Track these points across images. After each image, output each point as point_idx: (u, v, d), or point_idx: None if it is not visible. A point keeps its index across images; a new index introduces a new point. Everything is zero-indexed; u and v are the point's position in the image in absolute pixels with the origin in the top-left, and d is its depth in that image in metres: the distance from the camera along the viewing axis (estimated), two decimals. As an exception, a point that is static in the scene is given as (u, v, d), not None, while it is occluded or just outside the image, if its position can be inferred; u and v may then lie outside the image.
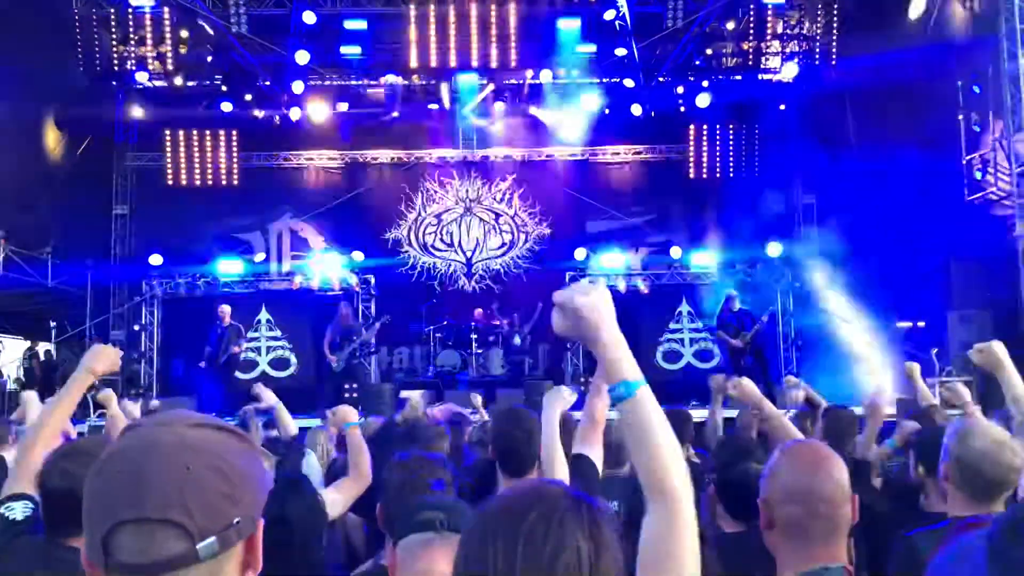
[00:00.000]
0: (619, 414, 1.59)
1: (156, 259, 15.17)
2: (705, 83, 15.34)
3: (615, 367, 1.57)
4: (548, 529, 1.30)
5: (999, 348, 3.37)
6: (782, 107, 15.81)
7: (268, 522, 1.23)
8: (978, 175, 11.78)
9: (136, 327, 15.35)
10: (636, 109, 15.38)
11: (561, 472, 2.86)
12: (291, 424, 5.40)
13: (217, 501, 1.13)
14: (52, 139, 14.45)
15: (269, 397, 5.50)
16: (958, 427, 2.77)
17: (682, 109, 15.80)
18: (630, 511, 2.61)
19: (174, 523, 1.09)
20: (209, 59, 14.70)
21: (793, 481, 2.04)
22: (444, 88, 15.28)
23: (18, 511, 2.64)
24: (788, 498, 2.03)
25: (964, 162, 12.00)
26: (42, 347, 14.58)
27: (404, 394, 5.92)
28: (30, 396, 5.09)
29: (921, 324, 12.97)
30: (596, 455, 2.86)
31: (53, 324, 14.06)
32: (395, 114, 15.40)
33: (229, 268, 15.22)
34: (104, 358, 2.94)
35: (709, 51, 15.03)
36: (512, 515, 1.33)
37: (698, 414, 7.85)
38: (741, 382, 4.00)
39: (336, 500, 3.44)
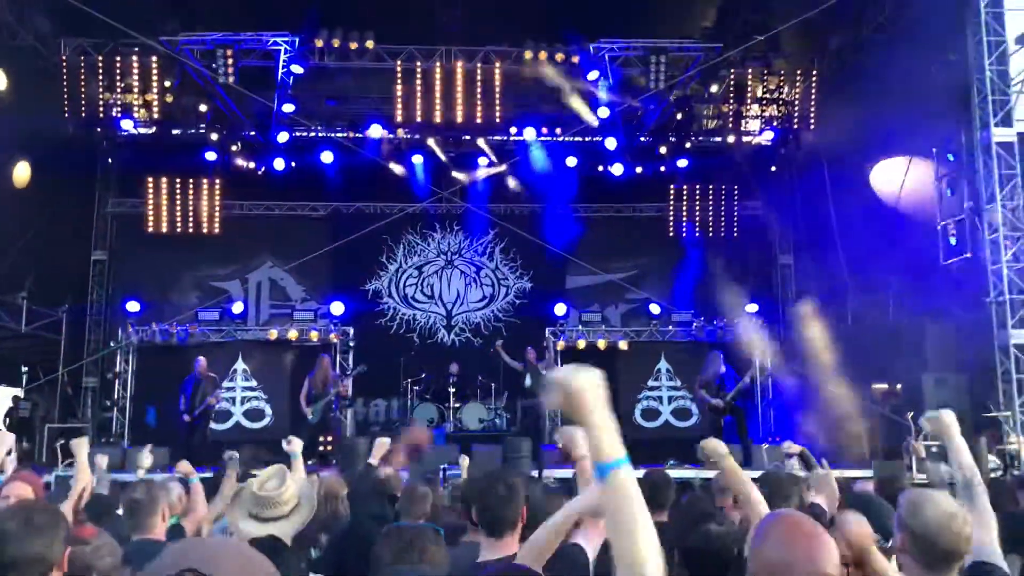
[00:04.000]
0: (601, 491, 1.69)
1: (133, 306, 15.05)
2: (686, 144, 15.59)
3: (601, 447, 1.68)
4: None
5: (948, 417, 3.45)
6: (768, 168, 16.05)
7: None
8: (952, 240, 11.95)
9: (109, 375, 15.14)
10: (617, 168, 15.55)
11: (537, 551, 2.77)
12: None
13: None
14: (29, 181, 14.37)
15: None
16: (909, 497, 2.78)
17: (662, 169, 16.01)
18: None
19: None
20: (195, 108, 14.78)
21: (774, 562, 1.94)
22: (429, 142, 15.40)
23: None
24: None
25: (939, 227, 12.19)
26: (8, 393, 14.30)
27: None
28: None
29: (898, 387, 13.02)
30: (592, 547, 2.81)
31: (25, 370, 13.84)
32: (379, 166, 15.46)
33: (206, 317, 15.11)
34: None
35: (689, 113, 15.28)
36: None
37: (676, 474, 7.80)
38: (707, 442, 3.97)
39: None
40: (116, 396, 14.85)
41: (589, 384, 1.71)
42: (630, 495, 1.66)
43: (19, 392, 13.94)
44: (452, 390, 14.56)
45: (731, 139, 15.18)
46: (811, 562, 1.91)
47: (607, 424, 1.71)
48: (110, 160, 16.13)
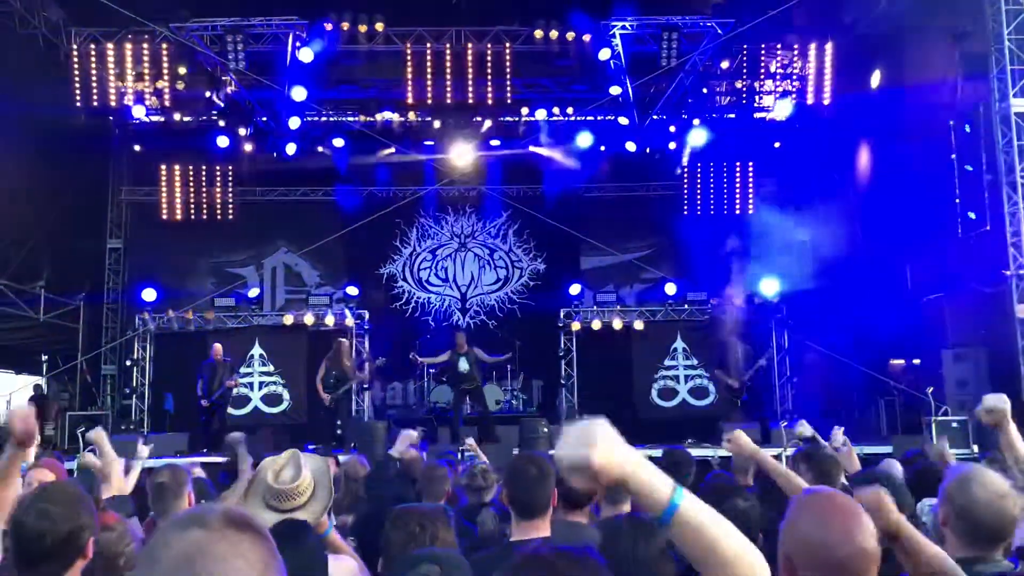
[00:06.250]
0: (673, 535, 1.51)
1: (149, 294, 15.09)
2: (698, 121, 15.45)
3: (650, 495, 1.49)
4: None
5: (1006, 404, 3.34)
6: (776, 145, 15.95)
7: None
8: (971, 214, 11.82)
9: (128, 362, 15.21)
10: (631, 146, 15.45)
11: None
12: None
13: None
14: (46, 173, 14.40)
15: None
16: (959, 473, 2.70)
17: (676, 146, 15.89)
18: (604, 548, 2.50)
19: None
20: (206, 95, 14.74)
21: (811, 539, 1.88)
22: (439, 124, 15.33)
23: None
24: (808, 560, 1.87)
25: (957, 200, 12.05)
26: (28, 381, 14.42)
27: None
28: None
29: (916, 362, 12.93)
30: None
31: (44, 358, 13.94)
32: (391, 150, 15.44)
33: (222, 303, 15.14)
34: (17, 422, 2.74)
35: (703, 90, 15.15)
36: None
37: (695, 453, 7.79)
38: (736, 436, 3.94)
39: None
40: (135, 383, 14.93)
41: (606, 449, 1.46)
42: (705, 522, 1.48)
43: (40, 380, 14.06)
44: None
45: (746, 115, 15.04)
46: (848, 539, 1.85)
47: (644, 466, 1.49)
48: (123, 148, 16.15)
